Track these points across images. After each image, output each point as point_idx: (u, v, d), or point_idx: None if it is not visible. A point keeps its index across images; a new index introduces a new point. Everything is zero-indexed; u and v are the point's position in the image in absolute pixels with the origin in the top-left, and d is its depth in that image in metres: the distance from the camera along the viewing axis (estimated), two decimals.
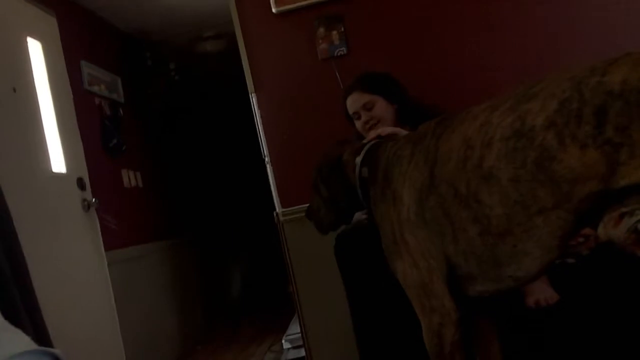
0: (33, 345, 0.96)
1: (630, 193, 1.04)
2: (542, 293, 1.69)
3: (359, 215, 2.03)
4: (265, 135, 2.66)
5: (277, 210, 2.66)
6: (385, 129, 1.80)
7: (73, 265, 2.63)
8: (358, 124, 2.14)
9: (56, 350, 0.95)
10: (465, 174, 1.19)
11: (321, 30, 2.62)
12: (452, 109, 1.54)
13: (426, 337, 1.35)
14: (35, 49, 2.71)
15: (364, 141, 1.74)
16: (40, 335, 1.86)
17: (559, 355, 1.68)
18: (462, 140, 1.22)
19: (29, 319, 1.83)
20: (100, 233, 2.93)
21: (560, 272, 1.26)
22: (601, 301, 1.65)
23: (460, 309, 1.31)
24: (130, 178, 3.75)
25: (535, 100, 1.11)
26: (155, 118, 4.43)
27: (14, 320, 1.70)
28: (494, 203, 1.15)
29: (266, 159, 2.68)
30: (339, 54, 2.60)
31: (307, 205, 1.88)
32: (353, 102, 2.13)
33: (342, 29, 2.60)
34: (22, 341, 0.97)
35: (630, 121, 0.97)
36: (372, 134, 2.02)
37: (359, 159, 1.55)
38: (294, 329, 3.09)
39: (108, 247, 3.02)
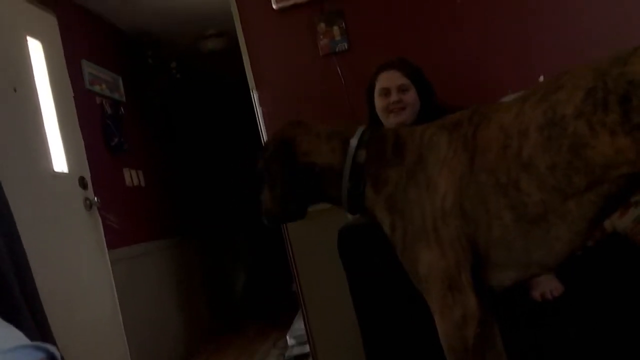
0: (26, 341, 0.95)
1: None
2: (548, 285, 1.68)
3: None
4: (266, 132, 2.65)
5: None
6: None
7: (76, 264, 2.63)
8: (382, 101, 2.06)
9: (49, 346, 0.94)
10: (506, 163, 1.21)
11: (322, 25, 2.60)
12: (465, 103, 1.53)
13: (446, 332, 1.31)
14: (35, 48, 2.70)
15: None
16: (43, 334, 1.85)
17: (564, 347, 1.67)
18: (499, 130, 1.24)
19: (32, 318, 1.83)
20: (102, 232, 2.93)
21: (565, 264, 1.25)
22: (607, 292, 1.64)
23: (483, 304, 1.30)
24: (132, 177, 3.75)
25: (562, 91, 1.15)
26: (157, 117, 4.43)
27: (17, 319, 1.70)
28: (532, 190, 1.18)
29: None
30: (340, 50, 2.59)
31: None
32: (389, 78, 2.06)
33: (343, 25, 2.58)
34: (15, 336, 0.96)
35: None
36: (393, 119, 2.00)
37: (354, 142, 1.46)
38: (299, 325, 3.09)
39: (111, 245, 3.02)
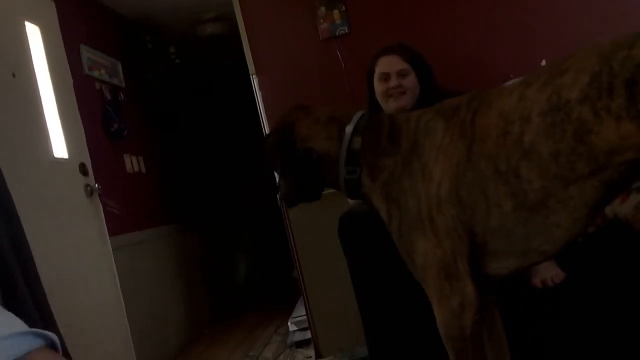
0: (25, 327, 0.95)
1: None
2: (549, 272, 1.68)
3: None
4: (266, 116, 2.64)
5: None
6: None
7: (77, 251, 2.63)
8: (382, 86, 2.07)
9: (48, 332, 0.94)
10: (506, 150, 1.19)
11: (322, 9, 2.58)
12: (466, 87, 1.50)
13: (444, 320, 1.31)
14: (33, 33, 2.68)
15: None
16: (46, 321, 1.86)
17: (565, 334, 1.68)
18: (499, 115, 1.22)
19: (35, 305, 1.83)
20: (104, 219, 2.93)
21: (567, 251, 1.24)
22: (608, 278, 1.64)
23: (481, 292, 1.29)
24: (132, 163, 3.74)
25: (567, 75, 1.12)
26: (157, 102, 4.41)
27: (20, 306, 1.70)
28: (533, 177, 1.16)
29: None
30: (340, 34, 2.57)
31: None
32: (389, 63, 2.07)
33: (344, 8, 2.56)
34: (14, 323, 0.96)
35: None
36: (393, 104, 1.98)
37: (349, 128, 1.44)
38: (300, 311, 3.10)
39: (112, 232, 3.02)
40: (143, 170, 3.88)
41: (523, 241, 1.23)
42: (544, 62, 2.38)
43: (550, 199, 1.16)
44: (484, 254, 1.28)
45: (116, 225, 3.16)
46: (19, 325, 0.96)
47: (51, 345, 0.94)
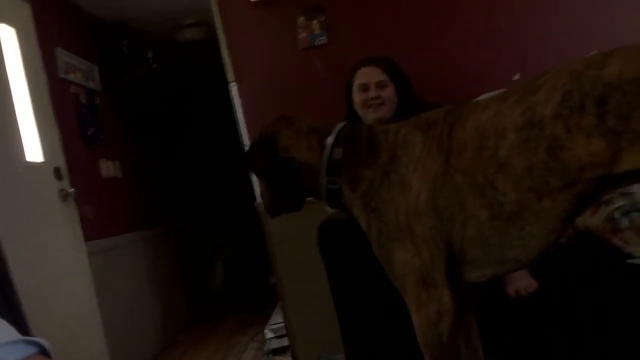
0: (18, 336, 0.95)
1: (622, 179, 1.12)
2: (522, 282, 1.72)
3: None
4: (245, 124, 2.65)
5: (259, 200, 2.65)
6: None
7: (52, 256, 2.60)
8: (361, 96, 2.10)
9: (42, 340, 0.94)
10: (482, 163, 1.22)
11: (301, 19, 2.60)
12: (442, 99, 1.53)
13: (421, 327, 1.34)
14: (8, 35, 2.64)
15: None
16: (20, 327, 1.83)
17: (537, 341, 1.72)
18: (475, 130, 1.25)
19: (9, 311, 1.80)
20: (79, 223, 2.89)
21: (539, 261, 1.28)
22: (579, 287, 1.69)
23: (458, 300, 1.32)
24: (108, 167, 3.70)
25: (541, 92, 1.15)
26: (134, 107, 4.37)
27: None
28: (508, 190, 1.19)
29: (246, 149, 2.66)
30: (319, 44, 2.59)
31: None
32: (369, 74, 2.10)
33: (323, 19, 2.58)
34: (6, 331, 0.95)
35: (630, 110, 1.03)
36: (371, 115, 2.02)
37: (330, 139, 1.47)
38: (277, 318, 3.10)
39: (88, 237, 2.98)
40: (119, 174, 3.85)
41: (499, 251, 1.26)
42: (517, 77, 2.44)
43: (525, 211, 1.19)
44: (462, 263, 1.31)
45: (92, 230, 3.13)
46: (10, 333, 0.95)
47: (43, 352, 0.94)
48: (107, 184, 3.64)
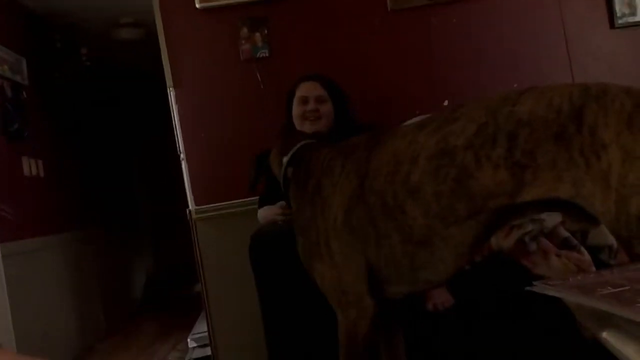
0: None
1: (528, 208, 1.20)
2: (440, 297, 1.82)
3: (272, 215, 2.08)
4: (182, 131, 2.63)
5: (190, 207, 2.63)
6: None
7: None
8: (300, 108, 2.19)
9: None
10: (393, 187, 1.30)
11: (245, 30, 2.62)
12: (376, 119, 1.61)
13: (341, 330, 1.45)
14: None
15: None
16: None
17: (454, 352, 1.82)
18: (392, 155, 1.33)
19: None
20: None
21: (455, 278, 1.37)
22: (491, 303, 1.81)
23: (378, 307, 1.43)
24: (31, 166, 3.53)
25: (457, 123, 1.23)
26: (62, 105, 4.20)
27: None
28: (417, 214, 1.26)
29: (181, 155, 2.64)
30: (261, 56, 2.63)
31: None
32: (309, 88, 2.20)
33: (266, 32, 2.62)
34: None
35: (535, 146, 1.11)
36: (308, 127, 2.15)
37: (285, 159, 1.65)
38: (201, 327, 3.06)
39: (3, 239, 2.83)
40: (42, 174, 3.68)
41: (411, 272, 1.35)
42: (446, 103, 2.59)
43: (434, 237, 1.26)
44: (380, 280, 1.41)
45: (8, 231, 2.97)
46: None
47: None
48: (29, 183, 3.48)
